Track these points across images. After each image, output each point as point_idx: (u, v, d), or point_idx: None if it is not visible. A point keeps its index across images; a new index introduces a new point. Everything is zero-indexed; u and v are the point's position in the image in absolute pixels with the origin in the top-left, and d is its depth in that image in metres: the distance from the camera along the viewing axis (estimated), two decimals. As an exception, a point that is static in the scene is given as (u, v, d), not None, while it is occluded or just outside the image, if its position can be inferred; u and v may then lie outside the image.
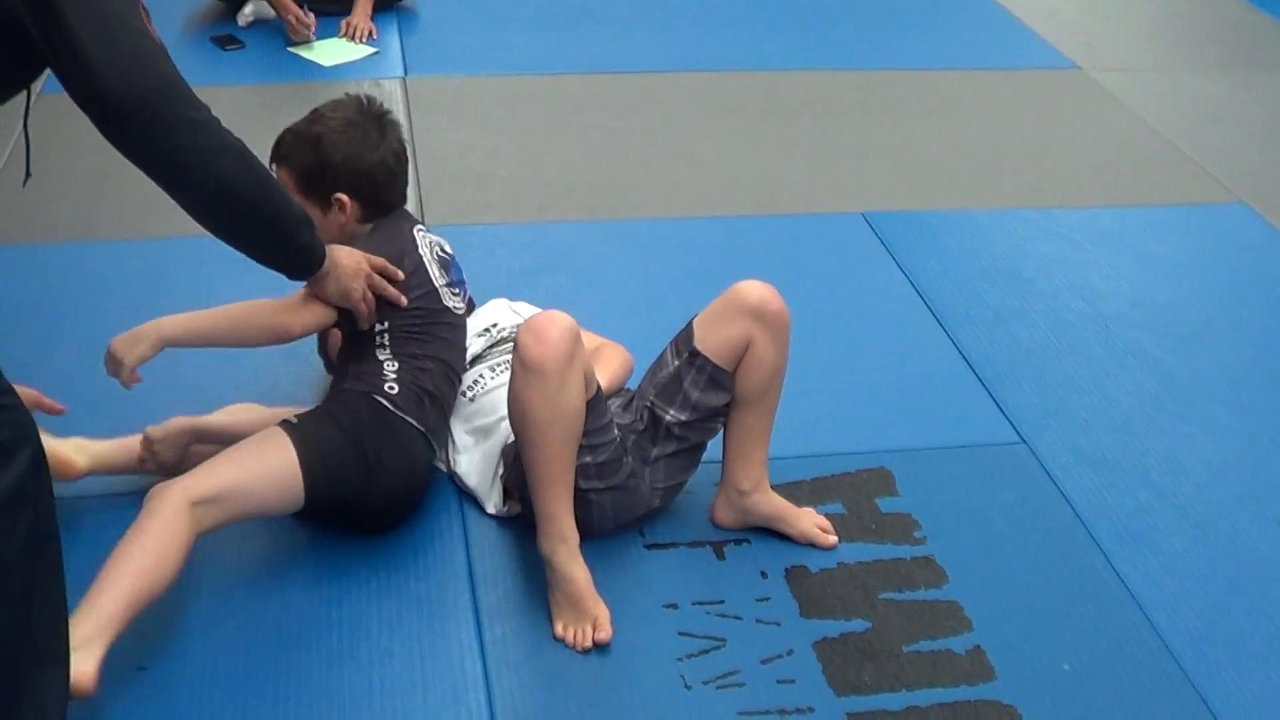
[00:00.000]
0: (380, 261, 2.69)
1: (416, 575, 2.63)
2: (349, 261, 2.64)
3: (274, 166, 2.75)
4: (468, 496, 2.80)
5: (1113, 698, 2.45)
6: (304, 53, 5.01)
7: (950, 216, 4.05)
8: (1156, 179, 4.40)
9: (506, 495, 2.75)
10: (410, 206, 3.81)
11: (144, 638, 2.41)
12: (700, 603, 2.58)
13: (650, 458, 2.69)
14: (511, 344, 2.92)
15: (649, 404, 2.68)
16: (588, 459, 2.57)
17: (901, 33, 5.45)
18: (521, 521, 2.72)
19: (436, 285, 2.79)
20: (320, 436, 2.59)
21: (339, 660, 2.43)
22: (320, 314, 2.68)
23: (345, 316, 2.71)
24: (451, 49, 5.12)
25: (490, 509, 2.75)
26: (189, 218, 2.36)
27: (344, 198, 2.76)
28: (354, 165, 2.75)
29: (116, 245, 3.68)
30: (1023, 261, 3.83)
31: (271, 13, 5.20)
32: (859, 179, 4.26)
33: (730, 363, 2.62)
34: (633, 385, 2.86)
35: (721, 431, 2.72)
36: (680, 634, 2.51)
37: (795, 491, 2.85)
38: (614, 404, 2.74)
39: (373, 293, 2.67)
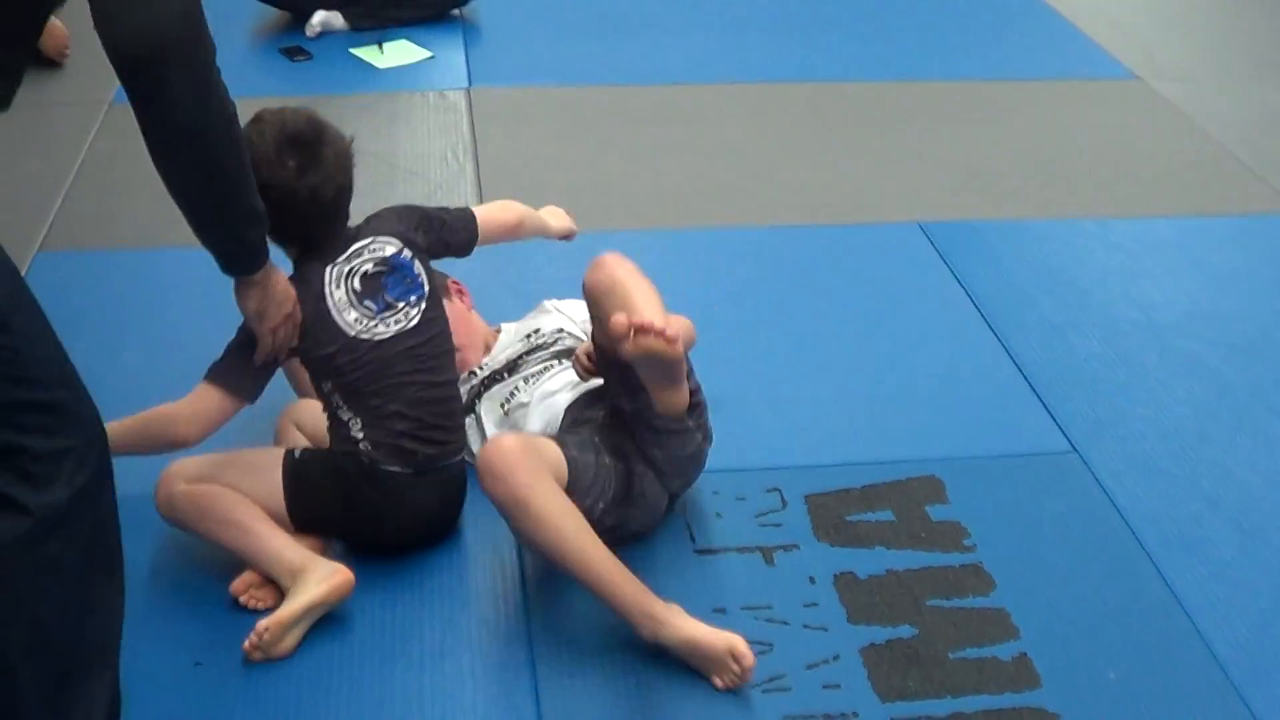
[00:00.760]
0: (297, 318, 2.59)
1: (469, 578, 2.68)
2: (284, 288, 2.54)
3: None
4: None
5: (1159, 707, 2.46)
6: (365, 55, 5.10)
7: (1007, 226, 4.07)
8: (1215, 189, 4.39)
9: None
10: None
11: (200, 634, 2.49)
12: (748, 607, 2.62)
13: (633, 450, 2.69)
14: (548, 349, 2.96)
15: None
16: (600, 506, 2.59)
17: (961, 42, 5.45)
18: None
19: (351, 335, 2.61)
20: (311, 482, 2.63)
21: (390, 660, 2.49)
22: (212, 411, 2.57)
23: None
24: (515, 59, 5.18)
25: None
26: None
27: None
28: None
29: (185, 253, 3.74)
30: (1079, 271, 3.84)
31: (339, 23, 5.29)
32: (916, 188, 4.28)
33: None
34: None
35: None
36: (728, 638, 2.55)
37: (845, 499, 2.89)
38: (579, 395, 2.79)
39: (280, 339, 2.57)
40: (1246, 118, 4.89)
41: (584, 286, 2.60)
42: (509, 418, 2.89)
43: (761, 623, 2.58)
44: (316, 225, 2.64)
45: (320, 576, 2.49)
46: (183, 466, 2.59)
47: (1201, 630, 2.62)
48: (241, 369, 2.60)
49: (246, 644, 2.43)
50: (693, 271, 3.75)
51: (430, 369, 2.68)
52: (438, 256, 2.83)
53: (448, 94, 4.84)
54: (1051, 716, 2.42)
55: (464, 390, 2.94)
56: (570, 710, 2.41)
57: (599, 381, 2.78)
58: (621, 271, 2.56)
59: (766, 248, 3.90)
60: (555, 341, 3.03)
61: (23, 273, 2.11)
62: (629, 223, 4.02)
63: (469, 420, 2.93)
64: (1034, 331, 3.53)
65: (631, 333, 2.35)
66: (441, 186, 4.10)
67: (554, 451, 2.55)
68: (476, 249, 2.92)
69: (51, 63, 4.75)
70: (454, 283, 3.20)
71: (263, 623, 2.43)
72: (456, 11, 5.53)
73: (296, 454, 2.66)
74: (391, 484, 2.61)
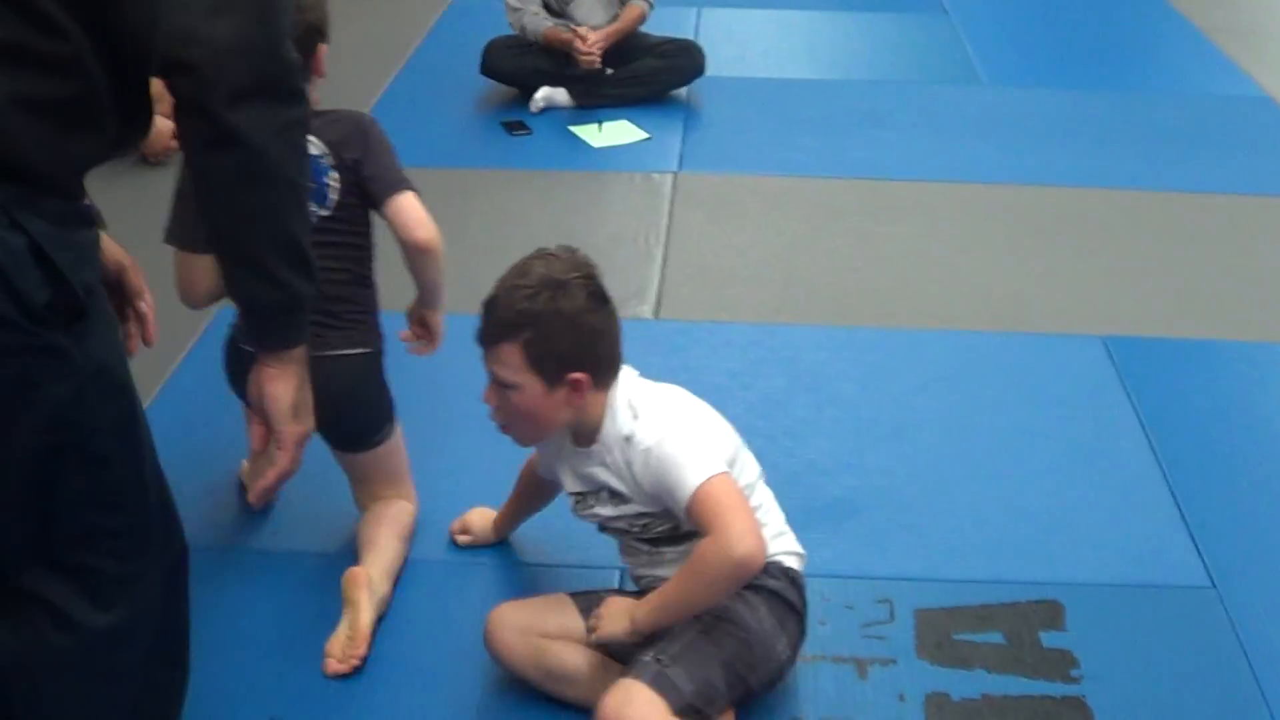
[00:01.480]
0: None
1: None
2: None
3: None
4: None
5: None
6: (582, 133, 5.23)
7: (1195, 345, 3.93)
8: None
9: None
10: (649, 298, 3.98)
11: (276, 686, 2.59)
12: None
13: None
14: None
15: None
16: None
17: (1190, 152, 5.29)
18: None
19: None
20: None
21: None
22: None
23: None
24: (729, 147, 5.25)
25: None
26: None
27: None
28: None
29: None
30: (1261, 399, 3.69)
31: (563, 99, 5.44)
32: (1107, 301, 4.17)
33: None
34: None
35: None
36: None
37: (956, 617, 2.84)
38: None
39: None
40: None
41: None
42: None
43: (839, 737, 2.56)
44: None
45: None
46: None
47: (1311, 793, 2.50)
48: None
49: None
50: (856, 370, 3.74)
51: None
52: (358, 191, 2.79)
53: (654, 176, 4.93)
54: None
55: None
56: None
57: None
58: None
59: (938, 350, 3.86)
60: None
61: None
62: (802, 317, 4.03)
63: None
64: (1199, 458, 3.40)
65: None
66: (623, 269, 4.18)
67: None
68: None
69: (147, 161, 4.63)
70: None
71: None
72: (682, 91, 5.64)
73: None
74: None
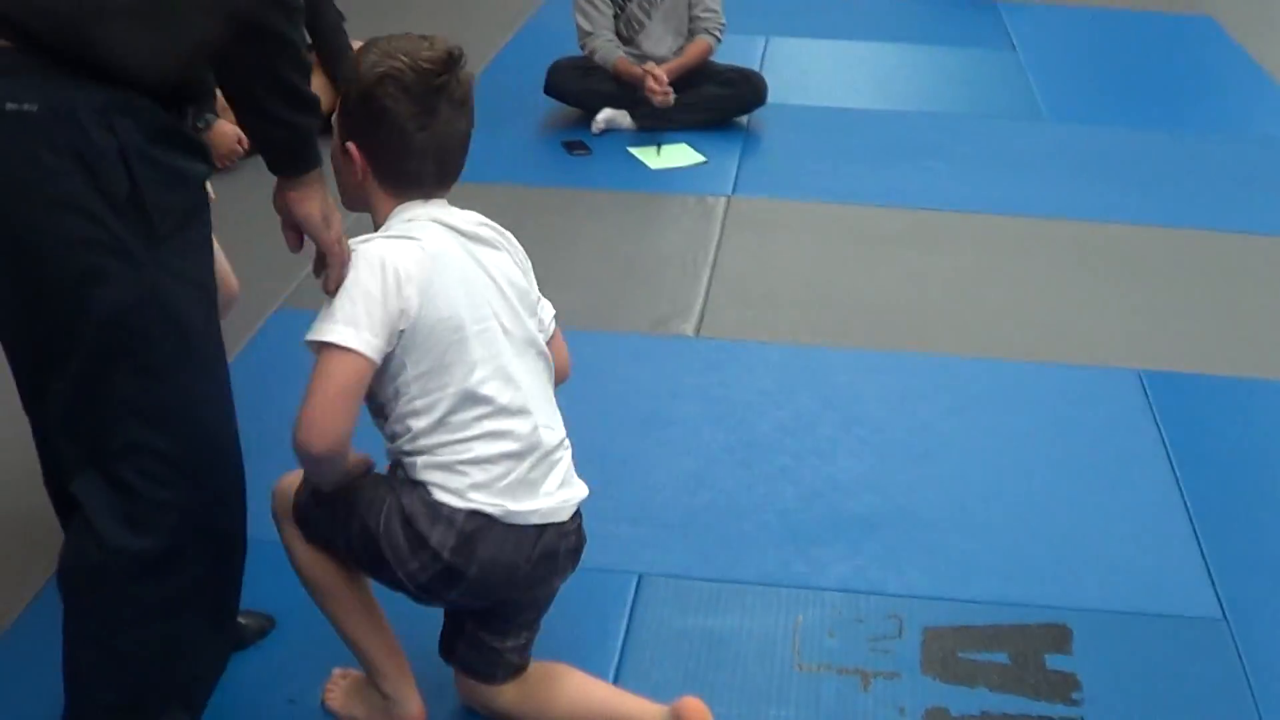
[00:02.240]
0: None
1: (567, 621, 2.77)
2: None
3: None
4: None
5: None
6: (640, 154, 5.32)
7: (1229, 383, 3.94)
8: None
9: None
10: (692, 317, 4.06)
11: (295, 670, 2.67)
12: (824, 727, 2.66)
13: None
14: None
15: None
16: None
17: (1242, 194, 5.29)
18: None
19: None
20: None
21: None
22: None
23: None
24: (784, 173, 5.32)
25: None
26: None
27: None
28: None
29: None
30: (1291, 438, 3.72)
31: (625, 122, 5.53)
32: (1146, 336, 4.20)
33: None
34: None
35: None
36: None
37: (963, 636, 2.88)
38: None
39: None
40: None
41: None
42: None
43: (834, 744, 2.62)
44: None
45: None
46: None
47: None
48: None
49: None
50: (885, 395, 3.79)
51: None
52: None
53: (708, 199, 5.01)
54: None
55: None
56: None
57: None
58: None
59: (971, 377, 3.90)
60: None
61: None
62: (838, 340, 4.09)
63: None
64: (1221, 493, 3.42)
65: None
66: (670, 288, 4.25)
67: None
68: None
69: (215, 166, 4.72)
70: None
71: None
72: (744, 119, 5.72)
73: None
74: None
